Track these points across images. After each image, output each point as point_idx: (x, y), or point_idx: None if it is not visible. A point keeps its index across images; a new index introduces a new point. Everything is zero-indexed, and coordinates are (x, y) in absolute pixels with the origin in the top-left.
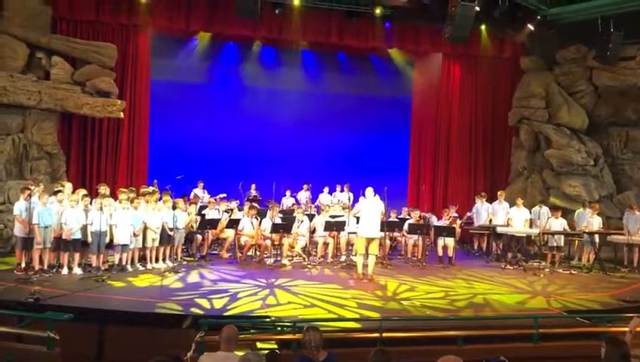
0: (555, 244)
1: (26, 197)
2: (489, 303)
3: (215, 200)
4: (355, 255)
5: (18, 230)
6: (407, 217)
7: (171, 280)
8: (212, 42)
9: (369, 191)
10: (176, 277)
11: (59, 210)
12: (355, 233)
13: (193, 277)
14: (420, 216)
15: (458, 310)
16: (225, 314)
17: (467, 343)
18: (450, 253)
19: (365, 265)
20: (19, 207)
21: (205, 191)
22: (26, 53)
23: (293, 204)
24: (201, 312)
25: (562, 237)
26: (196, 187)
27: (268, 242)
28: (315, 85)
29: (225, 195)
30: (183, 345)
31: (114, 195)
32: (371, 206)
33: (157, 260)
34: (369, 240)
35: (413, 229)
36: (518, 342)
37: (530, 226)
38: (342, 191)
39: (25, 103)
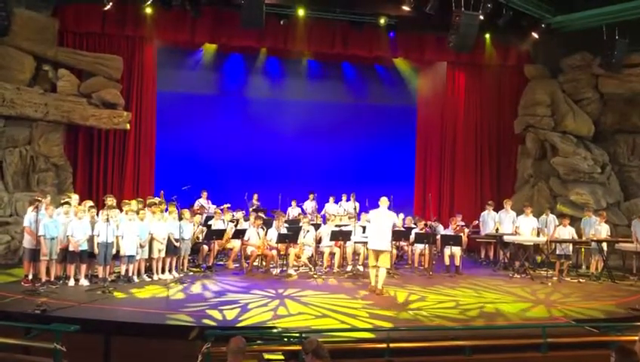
0: (563, 253)
1: (34, 209)
2: (495, 313)
3: (221, 210)
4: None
5: (27, 242)
6: (413, 226)
7: (177, 291)
8: (217, 53)
9: (383, 201)
10: (182, 287)
11: (65, 222)
12: (361, 242)
13: (199, 288)
14: (425, 225)
15: (469, 319)
16: (237, 325)
17: (475, 353)
18: (457, 261)
19: (375, 276)
20: (28, 218)
21: (209, 201)
22: (32, 66)
23: (299, 214)
24: (214, 324)
25: (570, 245)
26: (200, 197)
27: (274, 252)
28: (319, 95)
29: (229, 205)
30: (189, 356)
31: (120, 206)
32: (381, 217)
33: (163, 271)
34: (377, 253)
35: (419, 238)
36: (526, 352)
37: (538, 235)
38: (348, 200)
39: (32, 115)
